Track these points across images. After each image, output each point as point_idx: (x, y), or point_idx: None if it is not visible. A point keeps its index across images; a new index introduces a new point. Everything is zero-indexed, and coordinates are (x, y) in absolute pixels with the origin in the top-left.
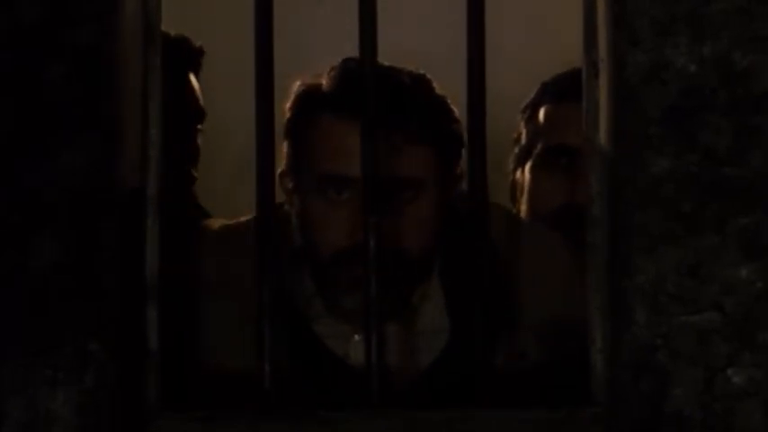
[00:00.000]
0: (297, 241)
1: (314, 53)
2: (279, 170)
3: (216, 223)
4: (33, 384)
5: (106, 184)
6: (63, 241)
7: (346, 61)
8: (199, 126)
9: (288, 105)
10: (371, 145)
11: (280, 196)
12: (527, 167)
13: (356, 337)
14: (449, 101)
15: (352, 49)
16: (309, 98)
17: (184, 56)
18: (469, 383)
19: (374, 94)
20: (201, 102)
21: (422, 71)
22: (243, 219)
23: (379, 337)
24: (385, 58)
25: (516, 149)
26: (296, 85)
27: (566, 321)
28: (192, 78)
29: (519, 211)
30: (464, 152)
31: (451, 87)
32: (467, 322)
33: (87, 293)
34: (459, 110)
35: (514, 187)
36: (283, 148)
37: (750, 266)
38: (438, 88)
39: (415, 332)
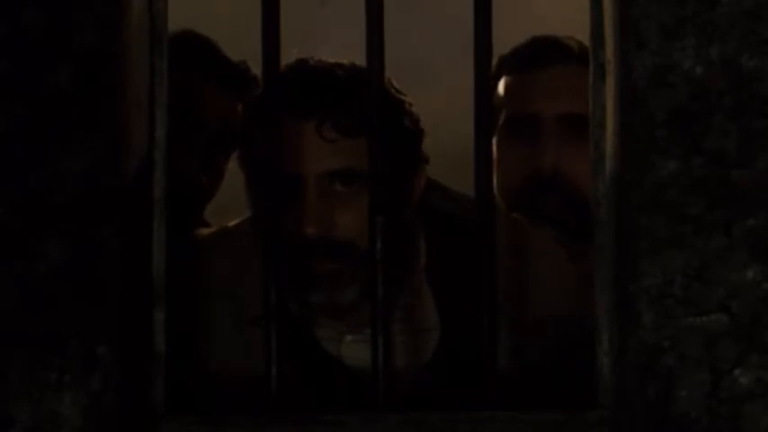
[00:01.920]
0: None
1: (317, 54)
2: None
3: (203, 231)
4: (40, 388)
5: (111, 186)
6: (68, 244)
7: (297, 62)
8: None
9: (240, 108)
10: (376, 145)
11: None
12: (494, 141)
13: (348, 337)
14: (397, 93)
15: (355, 50)
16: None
17: (237, 82)
18: (470, 384)
19: (377, 92)
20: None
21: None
22: (231, 223)
23: (386, 336)
24: (389, 58)
25: None
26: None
27: (566, 321)
28: (240, 107)
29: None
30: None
31: (453, 88)
32: (458, 320)
33: (93, 296)
34: (463, 112)
35: None
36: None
37: (757, 268)
38: (385, 81)
39: (408, 331)
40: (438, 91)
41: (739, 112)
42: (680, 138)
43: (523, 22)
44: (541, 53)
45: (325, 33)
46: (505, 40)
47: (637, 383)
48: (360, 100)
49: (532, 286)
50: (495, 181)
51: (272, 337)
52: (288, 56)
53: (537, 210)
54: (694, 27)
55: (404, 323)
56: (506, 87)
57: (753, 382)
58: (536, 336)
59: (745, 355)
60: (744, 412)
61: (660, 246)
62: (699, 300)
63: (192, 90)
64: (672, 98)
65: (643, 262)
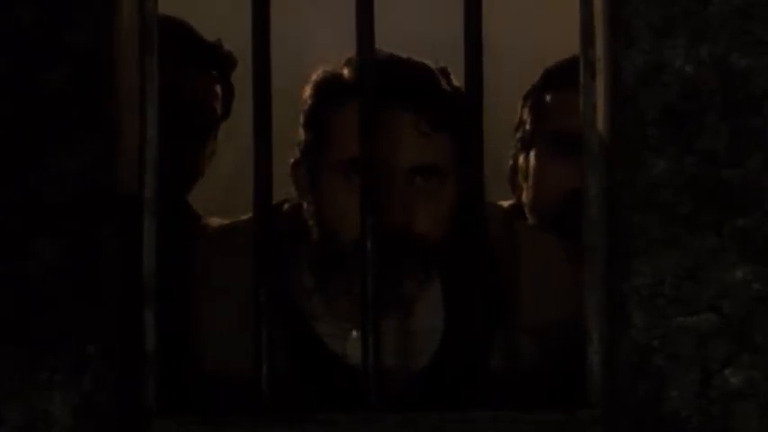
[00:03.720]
0: (313, 232)
1: (307, 51)
2: (291, 160)
3: (213, 223)
4: (31, 387)
5: (105, 186)
6: (62, 244)
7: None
8: (212, 132)
9: (308, 94)
10: (368, 144)
11: (276, 197)
12: (532, 154)
13: (354, 333)
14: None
15: (347, 49)
16: (332, 86)
17: (213, 61)
18: (466, 384)
19: (373, 93)
20: (218, 109)
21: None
22: (244, 218)
23: (376, 335)
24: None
25: (518, 135)
26: (316, 74)
27: (563, 322)
28: (218, 87)
29: (520, 197)
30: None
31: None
32: (461, 322)
33: (85, 296)
34: None
35: (515, 173)
36: (299, 137)
37: (747, 268)
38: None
39: (411, 331)
40: None
41: (731, 111)
42: (671, 137)
43: (513, 17)
44: None
45: (315, 32)
46: (496, 36)
47: (628, 383)
48: (447, 95)
49: (537, 290)
50: (530, 192)
51: (264, 336)
52: (311, 51)
53: (569, 227)
54: (685, 26)
55: (407, 321)
56: (552, 102)
57: (743, 381)
58: (541, 337)
59: (736, 354)
60: (734, 412)
61: (651, 245)
62: (690, 299)
63: (174, 74)
64: (663, 97)
65: (634, 261)
